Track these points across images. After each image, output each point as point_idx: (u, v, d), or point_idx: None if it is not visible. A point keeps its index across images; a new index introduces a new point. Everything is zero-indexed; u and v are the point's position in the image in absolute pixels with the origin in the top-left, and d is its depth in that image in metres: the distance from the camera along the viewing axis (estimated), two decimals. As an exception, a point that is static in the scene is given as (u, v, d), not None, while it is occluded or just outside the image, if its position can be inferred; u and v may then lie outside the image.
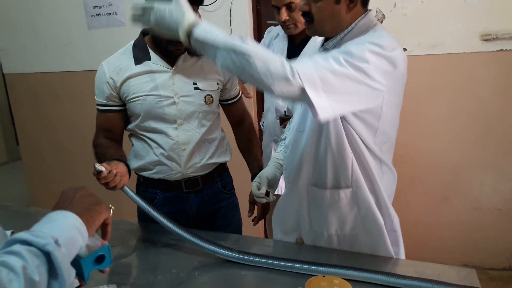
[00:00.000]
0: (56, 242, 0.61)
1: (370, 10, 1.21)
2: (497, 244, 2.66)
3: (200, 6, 1.43)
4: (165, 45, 1.45)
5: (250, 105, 2.82)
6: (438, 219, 2.72)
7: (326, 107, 1.03)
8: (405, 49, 2.51)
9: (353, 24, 1.19)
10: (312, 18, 1.18)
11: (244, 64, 1.01)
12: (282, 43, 2.09)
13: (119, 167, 1.33)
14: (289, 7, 1.88)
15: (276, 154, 1.56)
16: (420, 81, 2.56)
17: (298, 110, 1.35)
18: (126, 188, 1.35)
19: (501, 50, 2.40)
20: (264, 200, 1.40)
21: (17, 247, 0.58)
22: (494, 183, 2.59)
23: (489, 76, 2.46)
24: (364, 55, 1.06)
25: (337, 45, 1.20)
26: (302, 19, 1.31)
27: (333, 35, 1.22)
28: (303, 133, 1.29)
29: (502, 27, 2.37)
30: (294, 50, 1.99)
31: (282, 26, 2.00)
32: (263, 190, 1.38)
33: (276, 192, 1.50)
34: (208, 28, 1.06)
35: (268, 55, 1.02)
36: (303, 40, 1.99)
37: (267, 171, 1.48)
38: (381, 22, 2.50)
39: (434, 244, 2.74)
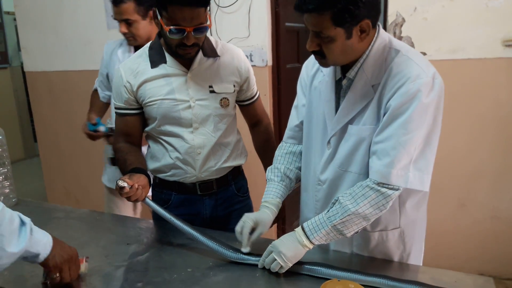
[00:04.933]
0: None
1: (379, 25, 1.17)
2: (515, 254, 2.60)
3: (219, 8, 1.43)
4: (175, 49, 1.42)
5: (266, 105, 2.83)
6: (455, 227, 2.68)
7: (428, 179, 1.16)
8: (424, 54, 2.49)
9: (369, 47, 1.15)
10: (323, 54, 1.14)
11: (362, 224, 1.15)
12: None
13: (140, 180, 1.35)
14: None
15: (268, 197, 1.38)
16: (439, 86, 2.52)
17: (337, 144, 1.25)
18: (147, 200, 1.38)
19: (523, 56, 2.35)
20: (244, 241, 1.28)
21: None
22: (513, 191, 2.54)
23: (510, 82, 2.41)
24: (430, 115, 1.12)
25: (358, 72, 1.16)
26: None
27: (350, 63, 1.18)
28: (347, 173, 1.23)
29: (525, 33, 2.32)
30: None
31: None
32: (246, 250, 1.27)
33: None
34: (317, 231, 1.17)
35: (362, 195, 1.13)
36: None
37: (262, 218, 1.32)
38: (401, 26, 2.48)
39: (450, 252, 2.70)
